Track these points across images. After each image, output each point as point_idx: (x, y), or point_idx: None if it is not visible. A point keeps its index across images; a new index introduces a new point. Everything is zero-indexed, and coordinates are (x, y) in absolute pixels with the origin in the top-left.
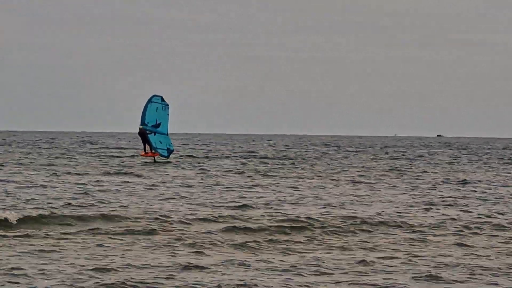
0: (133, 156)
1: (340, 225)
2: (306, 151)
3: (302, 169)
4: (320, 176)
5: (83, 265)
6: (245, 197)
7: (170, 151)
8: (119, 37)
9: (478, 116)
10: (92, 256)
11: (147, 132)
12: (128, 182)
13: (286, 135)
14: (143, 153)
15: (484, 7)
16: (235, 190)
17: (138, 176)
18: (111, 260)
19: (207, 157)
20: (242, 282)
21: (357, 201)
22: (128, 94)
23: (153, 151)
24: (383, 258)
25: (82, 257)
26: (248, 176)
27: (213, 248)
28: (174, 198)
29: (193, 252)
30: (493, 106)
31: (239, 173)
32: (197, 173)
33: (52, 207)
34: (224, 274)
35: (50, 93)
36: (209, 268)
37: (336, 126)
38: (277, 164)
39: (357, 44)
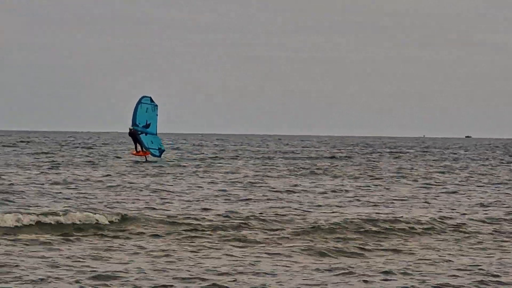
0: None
1: (407, 227)
2: (350, 151)
3: (354, 169)
4: (372, 176)
5: (163, 269)
6: (313, 199)
7: (161, 151)
8: (119, 37)
9: (478, 116)
10: (158, 254)
11: (138, 132)
12: (182, 182)
13: (286, 136)
14: (134, 152)
15: (484, 7)
16: (295, 192)
17: (190, 175)
18: (179, 260)
19: (257, 158)
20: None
21: (423, 202)
22: (128, 94)
23: (144, 150)
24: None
25: (156, 257)
26: (303, 176)
27: (278, 250)
28: (236, 199)
29: (256, 255)
30: (493, 106)
31: (292, 174)
32: (254, 175)
33: (129, 209)
34: (287, 277)
35: (50, 93)
36: (272, 271)
37: (336, 126)
38: (326, 164)
39: (357, 44)
